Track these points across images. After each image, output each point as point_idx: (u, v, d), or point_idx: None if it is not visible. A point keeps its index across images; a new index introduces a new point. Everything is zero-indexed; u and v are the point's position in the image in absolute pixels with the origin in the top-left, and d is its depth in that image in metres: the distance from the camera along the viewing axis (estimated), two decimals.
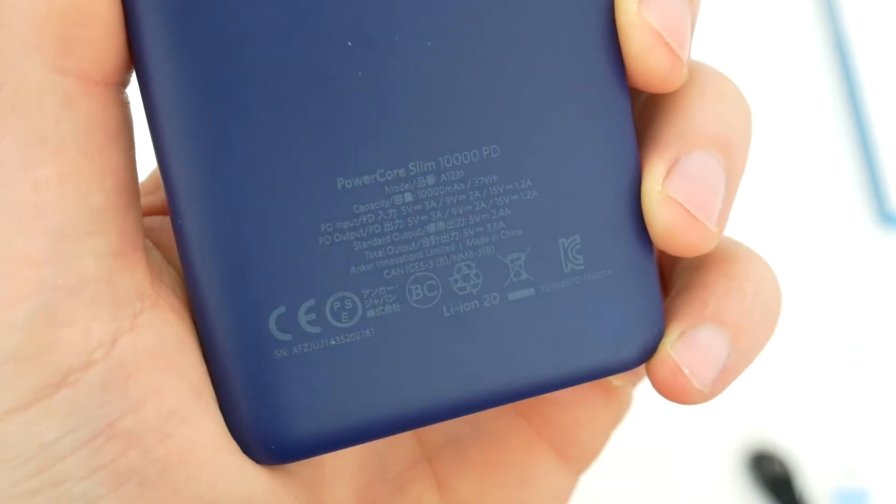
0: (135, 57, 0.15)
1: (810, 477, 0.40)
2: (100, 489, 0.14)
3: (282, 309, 0.16)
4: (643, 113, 0.19)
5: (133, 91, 0.16)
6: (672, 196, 0.17)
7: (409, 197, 0.16)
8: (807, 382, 0.41)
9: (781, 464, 0.39)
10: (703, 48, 0.17)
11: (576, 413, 0.20)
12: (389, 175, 0.16)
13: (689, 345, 0.17)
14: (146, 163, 0.17)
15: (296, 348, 0.16)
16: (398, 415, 0.16)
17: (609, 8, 0.17)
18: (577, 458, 0.20)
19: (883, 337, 0.43)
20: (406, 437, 0.20)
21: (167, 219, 0.18)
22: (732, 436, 0.40)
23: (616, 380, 0.20)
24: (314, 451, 0.16)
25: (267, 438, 0.16)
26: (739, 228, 0.18)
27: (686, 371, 0.17)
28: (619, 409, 0.21)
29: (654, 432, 0.39)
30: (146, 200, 0.19)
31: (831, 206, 0.45)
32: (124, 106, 0.16)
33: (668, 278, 0.20)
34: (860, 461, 0.40)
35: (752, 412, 0.40)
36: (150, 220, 0.18)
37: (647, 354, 0.17)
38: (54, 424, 0.14)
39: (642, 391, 0.21)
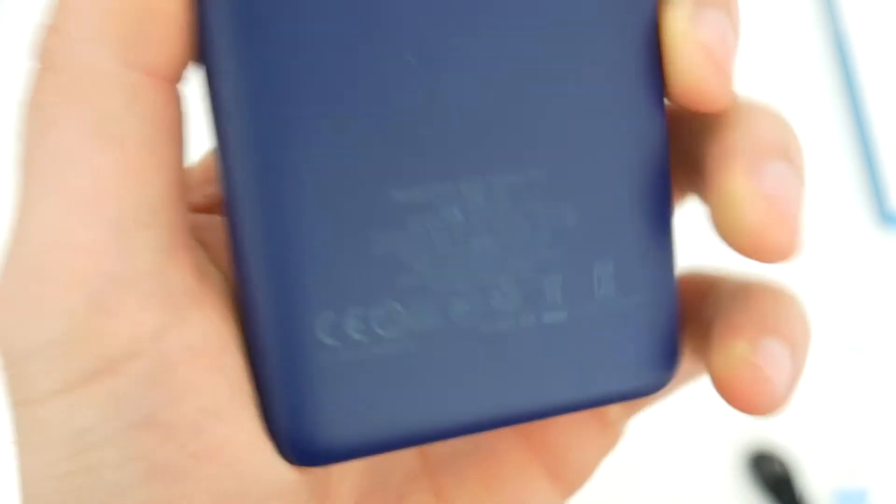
0: (202, 56, 0.16)
1: (810, 477, 0.40)
2: (133, 479, 0.15)
3: (329, 314, 0.16)
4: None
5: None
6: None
7: (457, 213, 0.16)
8: (806, 382, 0.41)
9: (781, 464, 0.40)
10: None
11: (571, 438, 0.20)
12: (440, 190, 0.16)
13: (765, 354, 0.17)
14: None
15: (340, 354, 0.16)
16: (430, 427, 0.17)
17: (655, 30, 0.17)
18: (569, 481, 0.21)
19: (882, 337, 0.43)
20: (409, 449, 0.20)
21: (211, 218, 0.18)
22: (732, 436, 0.40)
23: (612, 413, 0.21)
24: (346, 456, 0.16)
25: (304, 441, 0.16)
26: None
27: (768, 377, 0.17)
28: (612, 439, 0.21)
29: (655, 432, 0.39)
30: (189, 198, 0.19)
31: (831, 206, 0.45)
32: (181, 102, 0.16)
33: (690, 311, 0.20)
34: (860, 461, 0.41)
35: None
36: (193, 218, 0.18)
37: (665, 380, 0.18)
38: (95, 411, 0.14)
39: None
